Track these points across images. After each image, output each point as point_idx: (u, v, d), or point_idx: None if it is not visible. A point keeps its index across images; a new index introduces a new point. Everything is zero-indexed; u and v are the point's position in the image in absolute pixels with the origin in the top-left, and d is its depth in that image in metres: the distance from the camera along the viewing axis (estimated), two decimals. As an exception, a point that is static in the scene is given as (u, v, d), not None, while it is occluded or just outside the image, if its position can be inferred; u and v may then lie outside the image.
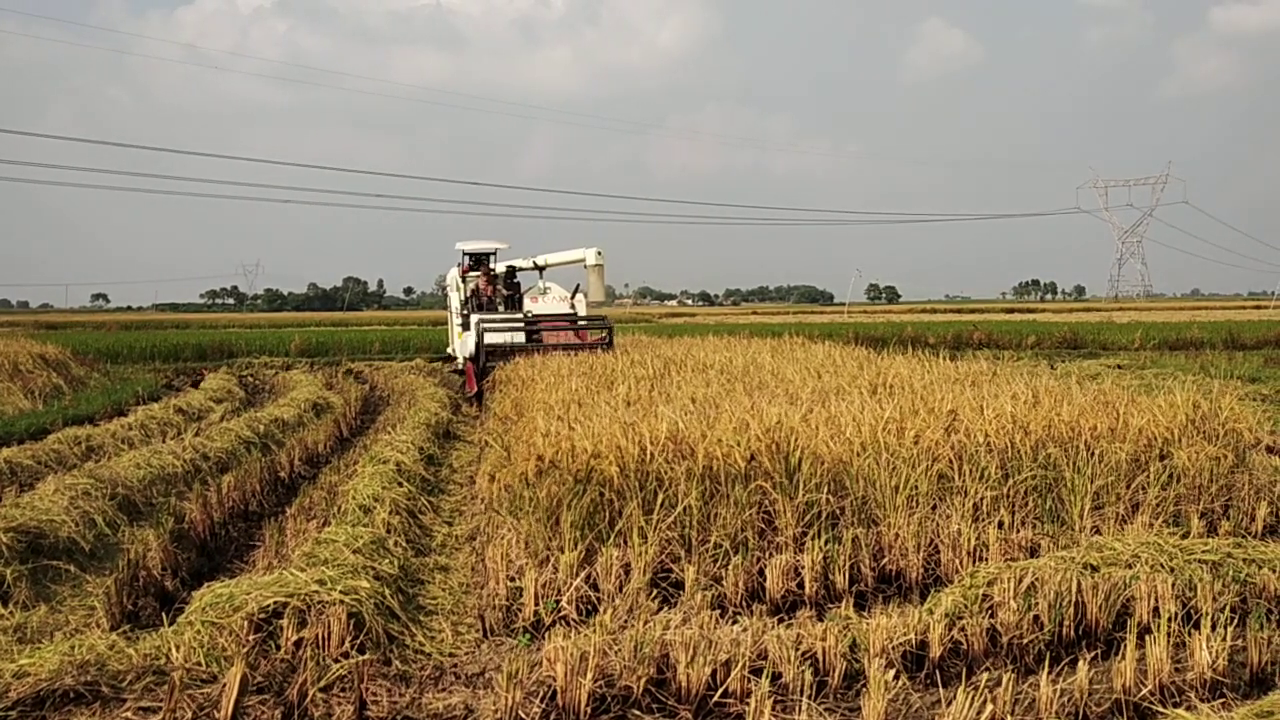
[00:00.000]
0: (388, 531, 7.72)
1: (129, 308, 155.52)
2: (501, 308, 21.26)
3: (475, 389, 18.42)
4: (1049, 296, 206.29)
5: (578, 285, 21.94)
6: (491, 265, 22.01)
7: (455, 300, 22.36)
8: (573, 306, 21.70)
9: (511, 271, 22.20)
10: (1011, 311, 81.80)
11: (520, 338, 19.26)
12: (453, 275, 22.68)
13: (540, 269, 22.77)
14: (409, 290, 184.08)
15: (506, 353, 17.99)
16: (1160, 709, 4.44)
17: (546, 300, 21.82)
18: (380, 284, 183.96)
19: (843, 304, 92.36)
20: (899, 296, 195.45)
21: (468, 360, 20.02)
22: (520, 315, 20.07)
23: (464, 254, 22.40)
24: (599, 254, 21.29)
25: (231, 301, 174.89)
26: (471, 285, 21.81)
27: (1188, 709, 4.05)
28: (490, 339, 18.68)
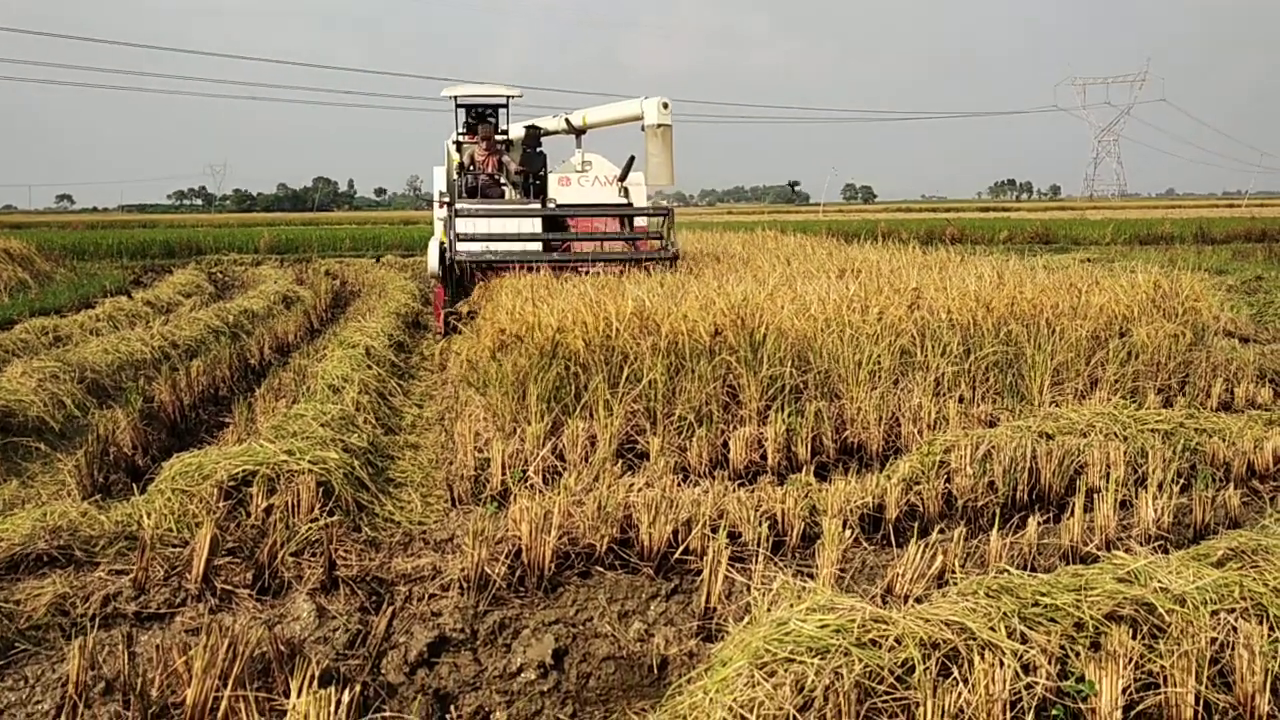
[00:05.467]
0: (357, 409, 7.79)
1: (95, 209, 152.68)
2: (511, 193, 14.17)
3: (442, 326, 12.41)
4: (1025, 196, 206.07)
5: (631, 158, 14.53)
6: (500, 126, 14.76)
7: (439, 180, 14.55)
8: (623, 192, 14.52)
9: (533, 137, 14.66)
10: (987, 210, 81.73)
11: (529, 241, 12.60)
12: (447, 146, 14.96)
13: (577, 132, 15.20)
14: (380, 191, 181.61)
15: (500, 269, 11.74)
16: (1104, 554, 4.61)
17: (585, 182, 14.60)
18: (351, 184, 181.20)
19: (819, 204, 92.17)
20: (875, 197, 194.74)
21: (435, 279, 13.13)
22: (538, 205, 13.59)
23: (456, 106, 14.78)
24: (665, 107, 14.06)
25: (200, 203, 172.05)
26: (466, 156, 14.36)
27: (1127, 552, 4.22)
28: (468, 247, 12.02)
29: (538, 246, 12.53)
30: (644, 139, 14.31)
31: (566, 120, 15.22)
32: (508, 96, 14.72)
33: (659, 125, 14.05)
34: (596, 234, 13.44)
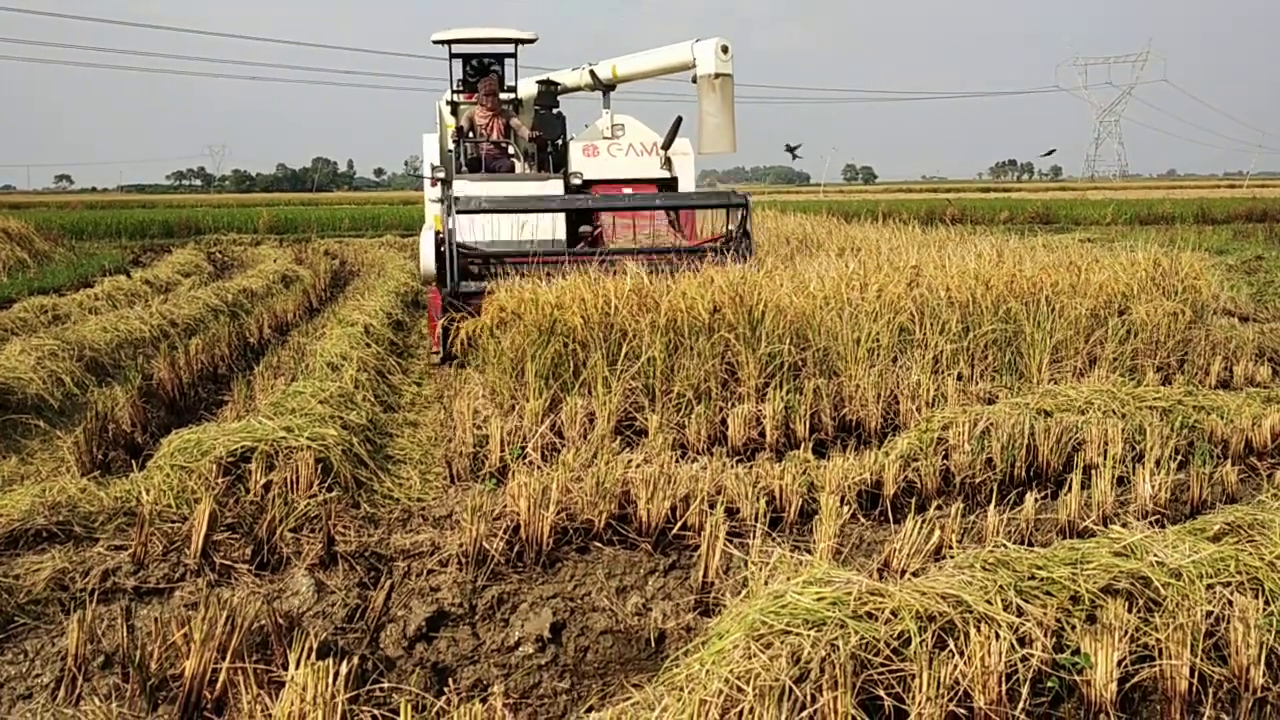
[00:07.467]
0: (355, 387, 7.79)
1: (93, 189, 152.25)
2: (521, 165, 11.39)
3: (439, 344, 9.59)
4: (1025, 177, 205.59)
5: (678, 120, 11.42)
6: (506, 81, 11.81)
7: (431, 150, 11.40)
8: (666, 163, 11.45)
9: (549, 94, 11.89)
10: (987, 191, 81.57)
11: (547, 226, 10.23)
12: (439, 107, 11.99)
13: (605, 88, 11.71)
14: (379, 171, 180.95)
15: (512, 264, 9.25)
16: (1100, 529, 4.62)
17: (616, 151, 11.38)
18: (350, 165, 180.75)
19: (819, 185, 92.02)
20: (876, 177, 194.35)
21: (431, 282, 10.05)
22: (559, 185, 10.92)
23: (450, 55, 11.61)
24: (724, 51, 10.48)
25: (199, 183, 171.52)
26: (464, 119, 11.30)
27: (1124, 527, 4.23)
28: (471, 234, 9.69)
29: (551, 227, 10.36)
30: (698, 95, 10.74)
31: (591, 73, 11.76)
32: (516, 42, 11.49)
33: (717, 75, 10.53)
34: (645, 247, 9.85)
